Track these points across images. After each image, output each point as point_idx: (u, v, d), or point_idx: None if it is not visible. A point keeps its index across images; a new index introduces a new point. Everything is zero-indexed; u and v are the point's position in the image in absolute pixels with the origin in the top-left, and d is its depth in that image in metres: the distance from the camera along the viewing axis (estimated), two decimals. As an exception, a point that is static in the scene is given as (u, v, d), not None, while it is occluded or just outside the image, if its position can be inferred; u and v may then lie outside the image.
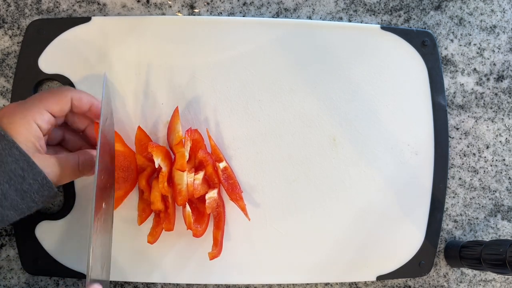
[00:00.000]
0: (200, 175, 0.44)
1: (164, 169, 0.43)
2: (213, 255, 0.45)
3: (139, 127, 0.45)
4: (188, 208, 0.43)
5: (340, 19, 0.51)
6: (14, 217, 0.36)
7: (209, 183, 0.46)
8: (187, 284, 0.50)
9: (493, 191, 0.52)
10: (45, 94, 0.39)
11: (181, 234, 0.47)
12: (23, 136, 0.36)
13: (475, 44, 0.52)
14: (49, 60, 0.47)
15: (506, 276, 0.52)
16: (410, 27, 0.51)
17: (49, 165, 0.37)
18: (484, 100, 0.52)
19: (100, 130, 0.38)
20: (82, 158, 0.41)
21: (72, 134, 0.45)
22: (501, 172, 0.52)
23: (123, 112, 0.47)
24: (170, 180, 0.44)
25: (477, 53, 0.52)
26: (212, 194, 0.45)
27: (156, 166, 0.43)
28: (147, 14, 0.49)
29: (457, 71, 0.52)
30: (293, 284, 0.50)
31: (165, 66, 0.48)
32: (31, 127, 0.37)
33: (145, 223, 0.46)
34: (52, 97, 0.39)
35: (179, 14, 0.50)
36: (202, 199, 0.45)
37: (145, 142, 0.45)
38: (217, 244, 0.46)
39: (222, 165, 0.46)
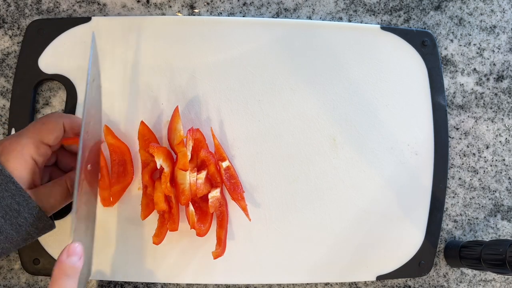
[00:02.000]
0: (203, 174, 0.44)
1: (166, 169, 0.43)
2: (217, 254, 0.45)
3: (142, 122, 0.45)
4: (191, 207, 0.43)
5: (340, 19, 0.51)
6: (10, 250, 0.37)
7: (211, 182, 0.46)
8: (187, 284, 0.50)
9: (493, 191, 0.52)
10: (38, 125, 0.39)
11: (182, 234, 0.47)
12: (19, 172, 0.37)
13: (475, 44, 0.52)
14: (49, 60, 0.47)
15: (506, 276, 0.52)
16: (410, 27, 0.51)
17: (43, 197, 0.38)
18: (484, 100, 0.52)
19: (86, 90, 0.38)
20: (69, 182, 0.41)
21: (66, 155, 0.45)
22: (501, 172, 0.52)
23: (123, 112, 0.47)
24: (173, 180, 0.44)
25: (477, 53, 0.52)
26: (214, 194, 0.45)
27: (158, 167, 0.43)
28: (147, 14, 0.49)
29: (457, 71, 0.52)
30: (293, 284, 0.50)
31: (165, 66, 0.48)
32: (27, 163, 0.38)
33: (145, 223, 0.46)
34: (46, 128, 0.39)
35: (179, 14, 0.50)
36: (204, 198, 0.45)
37: (149, 137, 0.46)
38: (221, 243, 0.46)
39: (225, 164, 0.46)
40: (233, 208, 0.47)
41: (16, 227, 0.36)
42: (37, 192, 0.38)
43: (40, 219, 0.37)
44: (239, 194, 0.46)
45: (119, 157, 0.46)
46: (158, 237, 0.45)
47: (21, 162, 0.37)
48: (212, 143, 0.47)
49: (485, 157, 0.52)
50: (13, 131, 0.47)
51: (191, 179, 0.44)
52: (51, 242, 0.47)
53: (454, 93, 0.52)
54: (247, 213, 0.46)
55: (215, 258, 0.45)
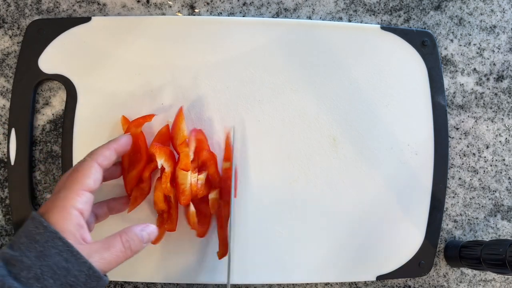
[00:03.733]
0: (204, 175, 0.45)
1: (167, 169, 0.43)
2: (222, 254, 0.45)
3: (167, 124, 0.46)
4: (192, 208, 0.43)
5: (340, 19, 0.51)
6: None
7: (211, 183, 0.46)
8: (187, 284, 0.50)
9: (493, 191, 0.52)
10: (73, 174, 0.38)
11: (181, 234, 0.47)
12: (64, 226, 0.35)
13: (475, 44, 0.52)
14: (49, 60, 0.47)
15: (506, 276, 0.52)
16: (410, 27, 0.51)
17: (95, 253, 0.35)
18: (484, 100, 0.52)
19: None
20: (124, 237, 0.38)
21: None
22: (501, 172, 0.52)
23: (123, 112, 0.47)
24: (173, 180, 0.44)
25: (477, 53, 0.52)
26: (214, 195, 0.45)
27: (159, 167, 0.43)
28: (147, 14, 0.49)
29: (457, 71, 0.52)
30: (293, 284, 0.50)
31: (165, 66, 0.48)
32: (71, 215, 0.36)
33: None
34: (81, 174, 0.38)
35: (179, 14, 0.50)
36: (204, 199, 0.45)
37: (165, 138, 0.46)
38: (224, 244, 0.46)
39: (225, 165, 0.46)
40: (232, 208, 0.47)
41: (67, 287, 0.34)
42: (89, 248, 0.35)
43: (92, 276, 0.34)
44: (228, 197, 0.46)
45: (135, 144, 0.45)
46: (157, 237, 0.45)
47: (65, 215, 0.35)
48: (214, 144, 0.47)
49: (485, 157, 0.52)
50: (13, 131, 0.47)
51: (192, 179, 0.44)
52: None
53: (454, 93, 0.52)
54: (225, 221, 0.46)
55: (220, 258, 0.45)
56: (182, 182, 0.43)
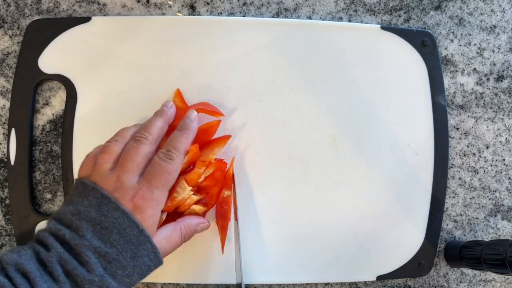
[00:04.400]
0: (197, 197, 0.44)
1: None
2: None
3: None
4: (163, 216, 0.43)
5: (340, 19, 0.51)
6: None
7: (203, 202, 0.45)
8: (187, 284, 0.50)
9: (493, 191, 0.52)
10: (167, 176, 0.39)
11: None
12: (151, 228, 0.37)
13: (475, 44, 0.52)
14: (49, 60, 0.47)
15: (506, 276, 0.52)
16: (410, 27, 0.51)
17: (161, 245, 0.39)
18: (484, 100, 0.52)
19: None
20: (183, 231, 0.42)
21: None
22: (501, 172, 0.52)
23: (123, 112, 0.47)
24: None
25: (477, 53, 0.52)
26: (198, 208, 0.44)
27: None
28: (147, 14, 0.49)
29: (457, 71, 0.52)
30: (293, 284, 0.50)
31: (165, 66, 0.48)
32: (158, 217, 0.38)
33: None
34: (173, 178, 0.39)
35: (179, 14, 0.50)
36: (180, 214, 0.45)
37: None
38: (223, 245, 0.46)
39: (225, 193, 0.46)
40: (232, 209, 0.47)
41: (142, 277, 0.37)
42: (158, 241, 0.38)
43: (158, 266, 0.38)
44: (225, 223, 0.46)
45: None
46: None
47: (156, 220, 0.38)
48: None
49: (485, 157, 0.52)
50: (13, 131, 0.47)
51: (187, 194, 0.43)
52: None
53: (454, 93, 0.52)
54: (223, 245, 0.46)
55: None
56: (177, 190, 0.43)
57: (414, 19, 0.51)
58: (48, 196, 0.49)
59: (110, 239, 0.35)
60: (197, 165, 0.44)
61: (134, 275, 0.36)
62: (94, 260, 0.34)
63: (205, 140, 0.46)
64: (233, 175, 0.47)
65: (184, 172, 0.44)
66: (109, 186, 0.37)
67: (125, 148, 0.39)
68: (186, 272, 0.48)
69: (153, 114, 0.44)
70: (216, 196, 0.45)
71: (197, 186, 0.45)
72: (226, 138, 0.46)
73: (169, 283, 0.50)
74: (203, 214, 0.45)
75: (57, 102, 0.49)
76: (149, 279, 0.47)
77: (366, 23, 0.51)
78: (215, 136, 0.47)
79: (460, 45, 0.52)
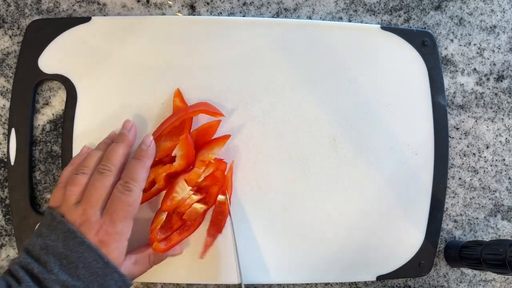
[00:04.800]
0: (197, 197, 0.44)
1: (177, 162, 0.43)
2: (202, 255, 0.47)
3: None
4: (163, 216, 0.44)
5: (340, 19, 0.51)
6: None
7: (203, 201, 0.46)
8: (187, 284, 0.50)
9: (493, 191, 0.52)
10: (127, 208, 0.39)
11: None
12: (117, 259, 0.39)
13: (475, 44, 0.52)
14: (49, 60, 0.47)
15: (506, 276, 0.52)
16: (410, 27, 0.51)
17: (130, 271, 0.41)
18: (484, 100, 0.52)
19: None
20: (152, 258, 0.44)
21: None
22: (501, 172, 0.52)
23: (123, 112, 0.47)
24: (171, 177, 0.44)
25: (477, 53, 0.52)
26: (199, 206, 0.44)
27: (172, 154, 0.43)
28: (147, 14, 0.49)
29: (457, 71, 0.52)
30: (293, 284, 0.50)
31: (165, 66, 0.48)
32: (124, 247, 0.40)
33: (144, 223, 0.46)
34: (134, 208, 0.40)
35: (179, 14, 0.50)
36: (179, 214, 0.45)
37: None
38: (206, 251, 0.47)
39: (220, 198, 0.46)
40: (232, 209, 0.47)
41: None
42: (126, 266, 0.41)
43: None
44: (215, 231, 0.46)
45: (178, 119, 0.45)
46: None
47: (122, 251, 0.39)
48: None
49: (485, 157, 0.52)
50: (13, 131, 0.47)
51: (186, 193, 0.43)
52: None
53: (454, 93, 0.52)
54: (205, 251, 0.47)
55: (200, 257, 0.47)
56: (177, 190, 0.43)
57: (414, 19, 0.51)
58: (48, 196, 0.49)
59: (77, 272, 0.36)
60: (196, 165, 0.44)
61: None
62: None
63: (205, 140, 0.46)
64: (230, 178, 0.47)
65: (184, 172, 0.44)
66: (75, 220, 0.38)
67: (90, 181, 0.40)
68: (186, 272, 0.48)
69: (115, 140, 0.44)
70: (215, 195, 0.46)
71: (197, 186, 0.45)
72: (225, 138, 0.46)
73: (169, 283, 0.50)
74: (203, 213, 0.45)
75: (57, 102, 0.49)
76: (149, 279, 0.48)
77: (366, 23, 0.51)
78: (214, 136, 0.47)
79: (460, 45, 0.52)
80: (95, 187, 0.40)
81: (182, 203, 0.43)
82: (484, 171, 0.52)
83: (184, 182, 0.43)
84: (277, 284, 0.50)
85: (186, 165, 0.44)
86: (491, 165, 0.52)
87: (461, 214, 0.52)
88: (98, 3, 0.49)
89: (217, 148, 0.45)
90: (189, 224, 0.45)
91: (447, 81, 0.51)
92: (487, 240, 0.48)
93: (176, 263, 0.47)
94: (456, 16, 0.51)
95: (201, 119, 0.47)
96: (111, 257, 0.38)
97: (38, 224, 0.40)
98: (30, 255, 0.37)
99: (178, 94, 0.47)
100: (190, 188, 0.43)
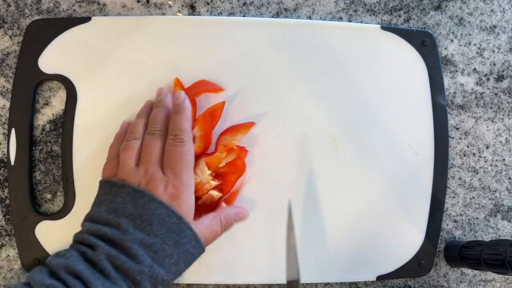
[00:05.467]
0: (216, 183, 0.44)
1: (196, 144, 0.43)
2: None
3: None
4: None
5: (340, 19, 0.51)
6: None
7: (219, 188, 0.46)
8: (187, 284, 0.50)
9: (493, 191, 0.52)
10: (186, 158, 0.39)
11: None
12: (188, 213, 0.38)
13: (475, 44, 0.52)
14: (49, 60, 0.47)
15: (506, 276, 0.52)
16: (410, 27, 0.51)
17: (203, 236, 0.40)
18: (484, 100, 0.52)
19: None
20: (223, 220, 0.43)
21: None
22: (501, 172, 0.52)
23: (123, 112, 0.47)
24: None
25: (477, 53, 0.52)
26: (215, 194, 0.45)
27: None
28: (147, 14, 0.49)
29: (457, 71, 0.52)
30: (293, 284, 0.50)
31: (165, 66, 0.48)
32: (193, 201, 0.39)
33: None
34: (191, 158, 0.40)
35: (179, 14, 0.50)
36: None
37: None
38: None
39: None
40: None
41: (188, 266, 0.39)
42: (199, 231, 0.39)
43: (201, 253, 0.40)
44: (225, 200, 0.46)
45: None
46: None
47: (191, 206, 0.39)
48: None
49: (485, 157, 0.52)
50: (13, 131, 0.47)
51: (205, 178, 0.43)
52: (51, 242, 0.47)
53: (454, 93, 0.52)
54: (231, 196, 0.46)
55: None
56: (197, 172, 0.43)
57: (414, 19, 0.51)
58: (48, 196, 0.49)
59: (152, 230, 0.35)
60: (218, 149, 0.44)
61: (180, 263, 0.37)
62: (141, 252, 0.34)
63: (213, 124, 0.46)
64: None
65: (203, 155, 0.44)
66: (140, 181, 0.38)
67: (144, 144, 0.41)
68: (186, 272, 0.48)
69: (154, 106, 0.45)
70: (233, 184, 0.45)
71: (216, 172, 0.45)
72: (249, 125, 0.46)
73: (169, 283, 0.50)
74: (218, 200, 0.45)
75: (57, 102, 0.49)
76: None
77: (366, 23, 0.51)
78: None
79: (460, 45, 0.52)
80: (150, 147, 0.40)
81: (200, 188, 0.43)
82: (484, 171, 0.52)
83: (204, 164, 0.43)
84: (277, 284, 0.50)
85: (204, 147, 0.44)
86: (491, 165, 0.52)
87: (461, 214, 0.52)
88: (98, 3, 0.49)
89: (241, 134, 0.45)
90: (201, 211, 0.45)
91: (447, 81, 0.51)
92: (487, 240, 0.48)
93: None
94: (456, 16, 0.51)
95: (203, 104, 0.47)
96: (182, 211, 0.37)
97: (95, 197, 0.39)
98: (97, 223, 0.36)
99: (178, 82, 0.47)
100: (209, 172, 0.43)
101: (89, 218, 0.37)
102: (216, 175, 0.45)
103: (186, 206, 0.38)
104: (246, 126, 0.46)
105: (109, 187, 0.38)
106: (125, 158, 0.40)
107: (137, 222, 0.35)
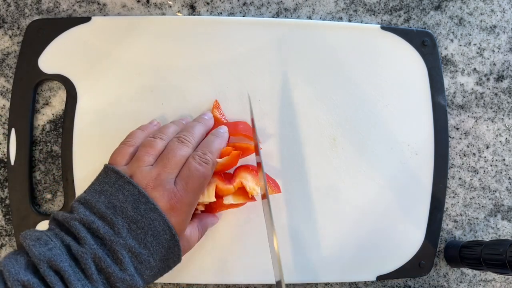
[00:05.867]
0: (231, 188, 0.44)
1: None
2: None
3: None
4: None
5: (340, 19, 0.51)
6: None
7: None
8: (187, 284, 0.50)
9: (493, 191, 0.52)
10: (203, 182, 0.39)
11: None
12: (181, 233, 0.38)
13: (475, 44, 0.52)
14: (49, 60, 0.47)
15: (506, 276, 0.52)
16: (410, 27, 0.51)
17: (183, 248, 0.39)
18: (484, 100, 0.52)
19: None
20: (201, 231, 0.43)
21: None
22: (501, 172, 0.52)
23: (123, 113, 0.47)
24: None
25: (477, 53, 0.52)
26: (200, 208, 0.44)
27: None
28: (147, 14, 0.49)
29: (457, 71, 0.52)
30: (293, 284, 0.50)
31: (165, 66, 0.48)
32: (187, 223, 0.39)
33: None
34: (205, 185, 0.40)
35: (179, 14, 0.50)
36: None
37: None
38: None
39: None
40: (232, 210, 0.47)
41: (161, 276, 0.38)
42: (181, 244, 0.38)
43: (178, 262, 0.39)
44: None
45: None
46: None
47: (186, 224, 0.38)
48: None
49: (485, 157, 0.52)
50: (13, 131, 0.47)
51: (207, 201, 0.43)
52: (51, 242, 0.47)
53: (454, 93, 0.52)
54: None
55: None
56: (203, 192, 0.42)
57: (414, 19, 0.51)
58: (48, 196, 0.49)
59: (144, 240, 0.34)
60: (235, 183, 0.44)
61: (157, 275, 0.37)
62: (128, 259, 0.33)
63: (235, 162, 0.44)
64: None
65: (219, 178, 0.43)
66: (148, 183, 0.36)
67: (169, 147, 0.39)
68: (185, 272, 0.48)
69: (195, 119, 0.45)
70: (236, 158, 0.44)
71: (226, 178, 0.45)
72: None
73: (169, 283, 0.50)
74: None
75: (57, 102, 0.49)
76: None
77: (366, 23, 0.51)
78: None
79: (460, 45, 0.52)
80: (174, 154, 0.38)
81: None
82: (484, 171, 0.52)
83: (214, 190, 0.42)
84: (277, 284, 0.50)
85: (217, 175, 0.43)
86: (491, 165, 0.52)
87: (461, 214, 0.52)
88: (98, 3, 0.49)
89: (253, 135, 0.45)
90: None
91: (447, 81, 0.51)
92: (487, 240, 0.48)
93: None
94: (456, 16, 0.51)
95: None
96: (176, 227, 0.36)
97: (96, 178, 0.38)
98: (92, 213, 0.34)
99: (217, 105, 0.47)
100: (214, 200, 0.42)
101: (84, 202, 0.35)
102: (229, 179, 0.45)
103: (182, 224, 0.37)
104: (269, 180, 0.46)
105: (115, 178, 0.36)
106: (143, 153, 0.38)
107: (132, 227, 0.34)
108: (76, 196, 0.47)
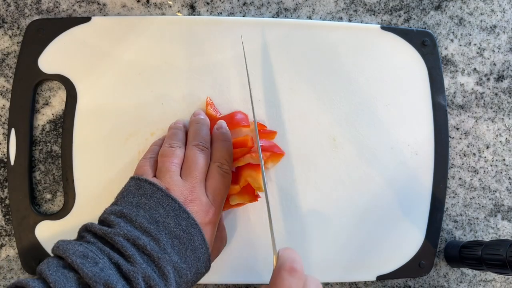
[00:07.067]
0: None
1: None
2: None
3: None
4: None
5: (340, 19, 0.51)
6: None
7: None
8: (187, 284, 0.50)
9: (493, 191, 0.52)
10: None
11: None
12: (211, 242, 0.38)
13: (475, 44, 0.52)
14: (49, 60, 0.47)
15: (506, 276, 0.52)
16: (410, 27, 0.51)
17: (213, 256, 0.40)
18: (484, 100, 0.52)
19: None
20: (224, 241, 0.44)
21: None
22: (501, 172, 0.52)
23: (123, 113, 0.47)
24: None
25: (477, 53, 0.52)
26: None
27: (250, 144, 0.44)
28: (147, 14, 0.49)
29: (457, 71, 0.52)
30: (293, 284, 0.50)
31: (165, 66, 0.48)
32: (214, 235, 0.39)
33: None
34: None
35: (179, 14, 0.50)
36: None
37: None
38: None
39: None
40: (232, 210, 0.47)
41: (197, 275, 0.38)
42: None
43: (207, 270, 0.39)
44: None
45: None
46: None
47: (214, 236, 0.39)
48: None
49: (485, 157, 0.52)
50: (13, 131, 0.47)
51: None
52: (51, 242, 0.47)
53: (454, 93, 0.52)
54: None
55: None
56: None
57: (414, 19, 0.51)
58: (48, 196, 0.49)
59: (185, 255, 0.35)
60: (240, 182, 0.44)
61: (190, 286, 0.37)
62: (172, 275, 0.33)
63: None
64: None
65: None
66: (185, 197, 0.37)
67: (191, 156, 0.40)
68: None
69: (195, 121, 0.44)
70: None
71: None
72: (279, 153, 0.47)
73: (169, 283, 0.50)
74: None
75: (57, 102, 0.49)
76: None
77: (366, 23, 0.51)
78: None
79: (460, 45, 0.52)
80: (197, 162, 0.39)
81: None
82: (484, 171, 0.52)
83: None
84: (277, 284, 0.50)
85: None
86: (491, 165, 0.52)
87: (461, 214, 0.52)
88: (98, 3, 0.49)
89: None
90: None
91: (447, 81, 0.51)
92: (487, 240, 0.48)
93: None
94: (456, 16, 0.51)
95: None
96: (208, 240, 0.37)
97: (124, 190, 0.37)
98: (135, 227, 0.34)
99: (209, 102, 0.47)
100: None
101: (122, 216, 0.34)
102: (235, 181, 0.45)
103: (212, 236, 0.38)
104: (270, 132, 0.47)
105: (151, 191, 0.36)
106: (169, 164, 0.38)
107: (175, 243, 0.34)
108: (75, 197, 0.47)
